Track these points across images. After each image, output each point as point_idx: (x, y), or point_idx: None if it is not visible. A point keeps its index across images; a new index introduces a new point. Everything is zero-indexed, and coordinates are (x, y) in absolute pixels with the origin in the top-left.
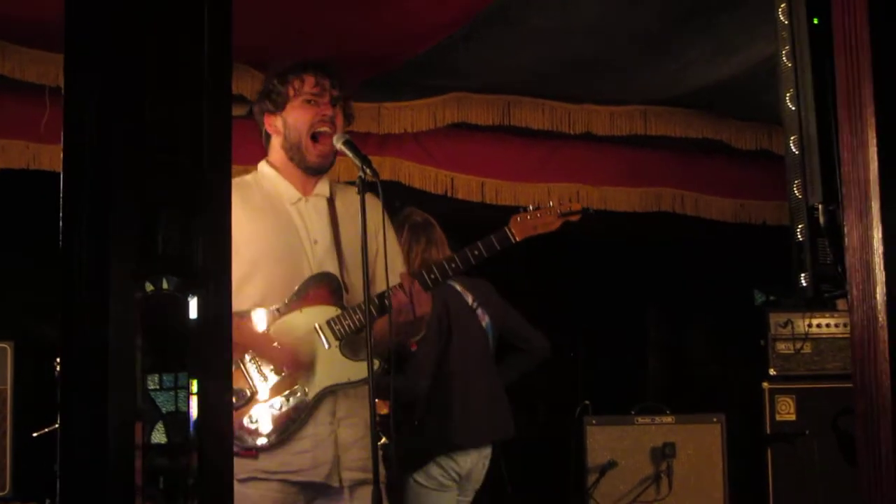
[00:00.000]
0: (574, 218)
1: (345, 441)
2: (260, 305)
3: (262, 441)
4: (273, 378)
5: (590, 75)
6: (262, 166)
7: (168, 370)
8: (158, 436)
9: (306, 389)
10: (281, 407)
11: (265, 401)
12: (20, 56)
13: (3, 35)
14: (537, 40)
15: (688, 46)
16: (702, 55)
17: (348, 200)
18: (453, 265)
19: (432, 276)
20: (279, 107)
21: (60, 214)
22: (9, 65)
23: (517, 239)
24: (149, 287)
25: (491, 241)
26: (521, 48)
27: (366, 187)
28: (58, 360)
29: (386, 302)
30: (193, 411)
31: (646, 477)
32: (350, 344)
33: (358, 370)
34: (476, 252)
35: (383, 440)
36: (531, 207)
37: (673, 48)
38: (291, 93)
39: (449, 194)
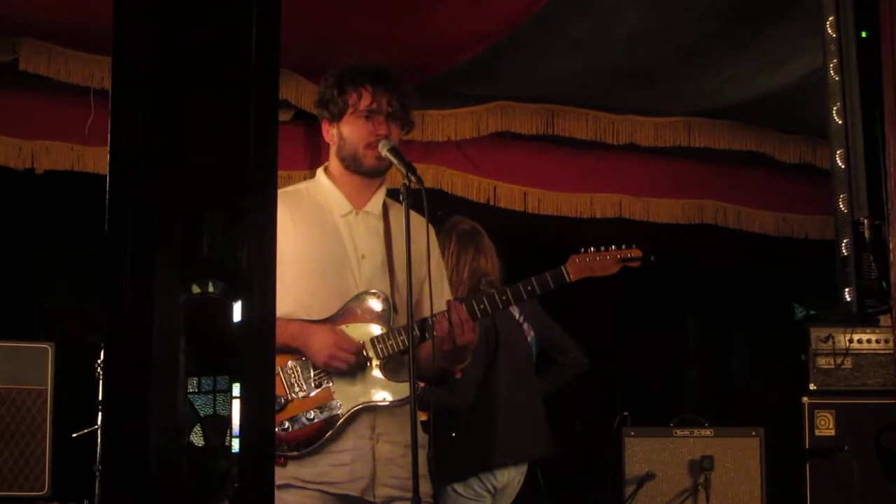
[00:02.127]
0: (634, 265)
1: (382, 457)
2: (300, 316)
3: (291, 449)
4: (311, 389)
5: (633, 86)
6: (320, 174)
7: (211, 373)
8: (200, 439)
9: (341, 404)
10: (314, 418)
11: (300, 410)
12: (65, 58)
13: (49, 37)
14: (580, 50)
15: (731, 58)
16: (746, 67)
17: (401, 217)
18: (503, 298)
19: (481, 307)
20: (335, 117)
21: (106, 217)
22: (54, 67)
23: (572, 279)
24: (193, 290)
25: (546, 279)
26: (563, 58)
27: (410, 194)
28: (99, 361)
29: (427, 333)
30: (236, 415)
31: (683, 489)
32: (392, 364)
33: (396, 390)
34: (529, 288)
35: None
36: (591, 249)
37: (716, 60)
38: (348, 106)
39: (491, 203)
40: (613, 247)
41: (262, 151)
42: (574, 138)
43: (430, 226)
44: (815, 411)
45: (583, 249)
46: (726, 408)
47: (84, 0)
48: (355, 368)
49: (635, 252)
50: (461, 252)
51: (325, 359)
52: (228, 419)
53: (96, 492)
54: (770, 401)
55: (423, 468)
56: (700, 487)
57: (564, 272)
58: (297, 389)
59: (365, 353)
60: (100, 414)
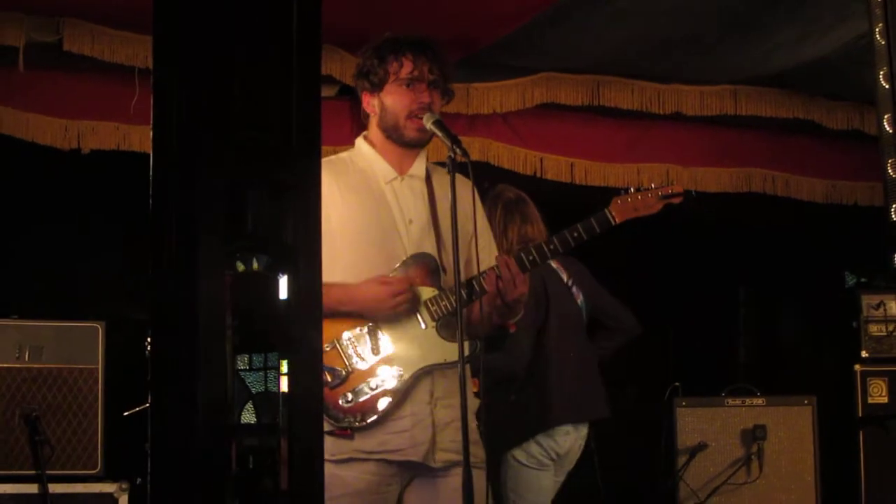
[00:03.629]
0: (676, 200)
1: (441, 421)
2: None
3: (357, 420)
4: (371, 358)
5: (679, 55)
6: (360, 143)
7: (258, 350)
8: (248, 415)
9: (402, 369)
10: (377, 387)
11: (361, 380)
12: (109, 38)
13: (93, 17)
14: (624, 20)
15: (778, 25)
16: (792, 34)
17: (444, 181)
18: (552, 247)
19: (530, 258)
20: (376, 87)
21: (150, 194)
22: (98, 47)
23: (617, 221)
24: (238, 266)
25: (591, 223)
26: (608, 28)
27: (456, 167)
28: (148, 339)
29: (477, 286)
30: (283, 391)
31: (736, 459)
32: (447, 325)
33: (454, 351)
34: (575, 234)
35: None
36: (632, 189)
37: (762, 27)
38: (389, 74)
39: (538, 175)
40: (653, 185)
41: (306, 126)
42: (620, 108)
43: (474, 187)
44: (868, 379)
45: (622, 190)
46: (778, 377)
47: None
48: (411, 332)
49: (676, 188)
50: (507, 219)
51: (385, 308)
52: (277, 395)
53: (148, 470)
54: (822, 369)
55: (475, 434)
56: (753, 457)
57: (609, 214)
58: (355, 360)
59: (419, 315)
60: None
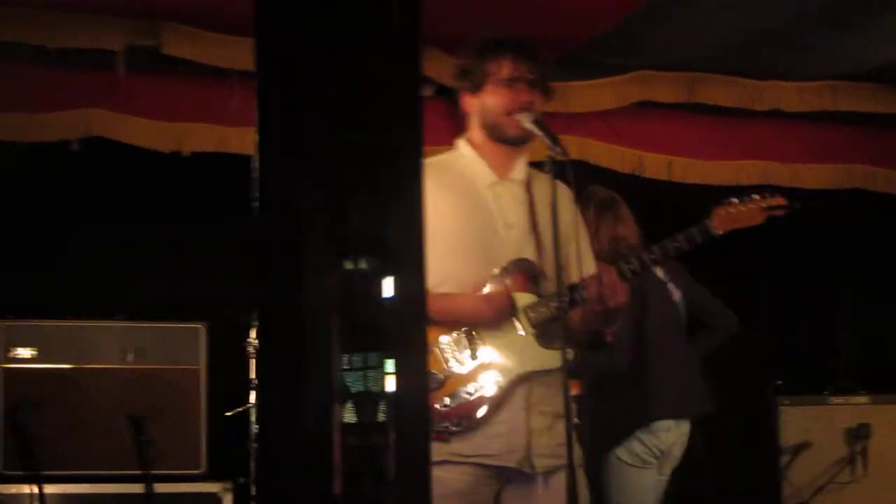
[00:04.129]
0: (779, 212)
1: (537, 427)
2: (448, 289)
3: (454, 425)
4: (469, 363)
5: (776, 51)
6: (461, 145)
7: (363, 350)
8: (355, 416)
9: (500, 375)
10: (474, 392)
11: (459, 385)
12: (207, 41)
13: (191, 20)
14: (720, 16)
15: (877, 19)
16: (891, 28)
17: (544, 186)
18: (652, 257)
19: (631, 267)
20: (476, 87)
21: (254, 197)
22: (196, 50)
23: (719, 232)
24: (343, 268)
25: (692, 234)
26: (704, 24)
27: (556, 166)
28: (249, 339)
29: (577, 294)
30: (390, 391)
31: (840, 458)
32: (545, 332)
33: (552, 358)
34: (676, 244)
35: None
36: (734, 199)
37: (861, 21)
38: (489, 75)
39: (636, 173)
40: (756, 195)
41: (408, 126)
42: (717, 105)
43: (573, 194)
44: None
45: (726, 201)
46: (882, 375)
47: None
48: (510, 338)
49: (779, 200)
50: (600, 219)
51: (488, 321)
52: (382, 395)
53: (251, 470)
54: None
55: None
56: (857, 456)
57: (710, 225)
58: (453, 365)
59: (518, 322)
60: (252, 392)
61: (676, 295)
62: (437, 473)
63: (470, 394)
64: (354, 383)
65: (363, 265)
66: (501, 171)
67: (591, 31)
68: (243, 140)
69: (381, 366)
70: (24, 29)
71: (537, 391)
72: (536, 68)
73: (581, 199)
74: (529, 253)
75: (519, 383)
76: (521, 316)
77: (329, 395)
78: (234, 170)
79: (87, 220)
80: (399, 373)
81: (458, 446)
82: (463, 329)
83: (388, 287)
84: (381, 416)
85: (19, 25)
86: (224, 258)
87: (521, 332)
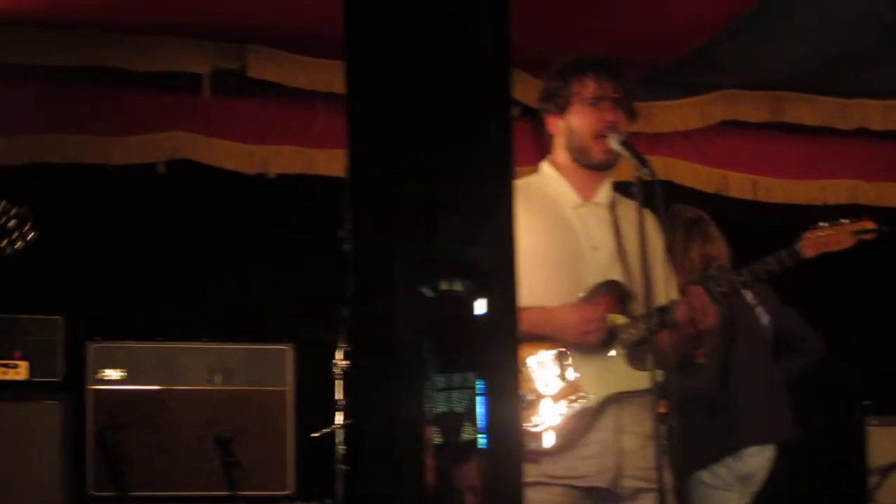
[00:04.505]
0: (869, 237)
1: (628, 448)
2: None
3: (543, 445)
4: (558, 383)
5: (861, 69)
6: (545, 167)
7: (455, 370)
8: (446, 436)
9: (590, 396)
10: (563, 413)
11: (549, 405)
12: (292, 63)
13: (276, 43)
14: (804, 35)
15: None
16: None
17: (628, 209)
18: (742, 279)
19: (721, 290)
20: (561, 108)
21: (346, 218)
22: (281, 72)
23: (809, 255)
24: (434, 289)
25: (782, 257)
26: (788, 43)
27: (643, 187)
28: (335, 361)
29: (667, 316)
30: (481, 411)
31: None
32: (635, 353)
33: (642, 380)
34: (766, 267)
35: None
36: (824, 224)
37: None
38: (573, 95)
39: (720, 192)
40: (845, 220)
41: (498, 147)
42: (802, 124)
43: (659, 214)
44: None
45: (815, 225)
46: None
47: (309, 5)
48: (600, 359)
49: (868, 224)
50: (689, 239)
51: (576, 336)
52: (473, 416)
53: (337, 491)
54: None
55: (664, 459)
56: None
57: (799, 249)
58: (542, 385)
59: (611, 336)
60: (337, 413)
61: (765, 318)
62: (529, 495)
63: (558, 413)
64: (446, 404)
65: (454, 286)
66: (586, 194)
67: (677, 51)
68: (329, 162)
69: (472, 386)
70: (111, 53)
71: (628, 412)
72: (621, 88)
73: (668, 219)
74: (616, 275)
75: (609, 404)
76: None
77: (420, 415)
78: (320, 191)
79: (173, 243)
80: (490, 393)
81: (549, 467)
82: (553, 349)
83: (479, 307)
84: (473, 437)
85: (107, 50)
86: (310, 280)
87: (612, 353)
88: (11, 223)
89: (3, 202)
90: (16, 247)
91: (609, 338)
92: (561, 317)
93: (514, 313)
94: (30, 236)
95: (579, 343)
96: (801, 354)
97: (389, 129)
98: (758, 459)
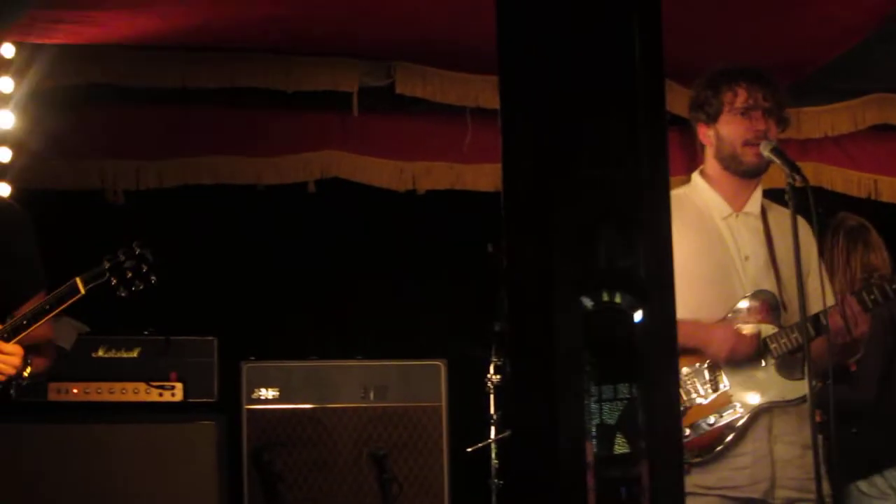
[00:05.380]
0: None
1: (781, 459)
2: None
3: (694, 456)
4: (709, 394)
5: None
6: (696, 177)
7: (615, 382)
8: (607, 448)
9: (740, 407)
10: (714, 423)
11: (700, 416)
12: (440, 79)
13: (424, 60)
14: None
15: None
16: None
17: (780, 218)
18: (894, 287)
19: (872, 297)
20: (712, 118)
21: (502, 233)
22: (429, 88)
23: None
24: (593, 301)
25: None
26: None
27: (795, 193)
28: (489, 376)
29: (823, 323)
30: (642, 422)
31: None
32: (786, 363)
33: (794, 389)
34: None
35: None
36: None
37: None
38: (724, 104)
39: (872, 197)
40: None
41: (653, 159)
42: None
43: (812, 222)
44: None
45: None
46: None
47: (458, 21)
48: (751, 369)
49: None
50: (850, 248)
51: (726, 353)
52: (634, 427)
53: None
54: None
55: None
56: None
57: None
58: (694, 395)
59: (761, 350)
60: (492, 428)
61: None
62: None
63: (710, 425)
64: (606, 415)
65: (613, 297)
66: (737, 204)
67: (825, 57)
68: (479, 177)
69: (632, 397)
70: (261, 74)
71: (781, 422)
72: (771, 96)
73: (829, 228)
74: (768, 285)
75: (761, 414)
76: (762, 347)
77: (581, 427)
78: (470, 207)
79: (323, 261)
80: (651, 404)
81: (701, 478)
82: (704, 360)
83: (638, 318)
84: (634, 448)
85: (257, 71)
86: (460, 295)
87: (763, 364)
88: (129, 264)
89: (128, 246)
90: (133, 289)
91: (760, 352)
92: (716, 332)
93: (672, 323)
94: (151, 279)
95: (728, 360)
96: None
97: (544, 143)
98: None
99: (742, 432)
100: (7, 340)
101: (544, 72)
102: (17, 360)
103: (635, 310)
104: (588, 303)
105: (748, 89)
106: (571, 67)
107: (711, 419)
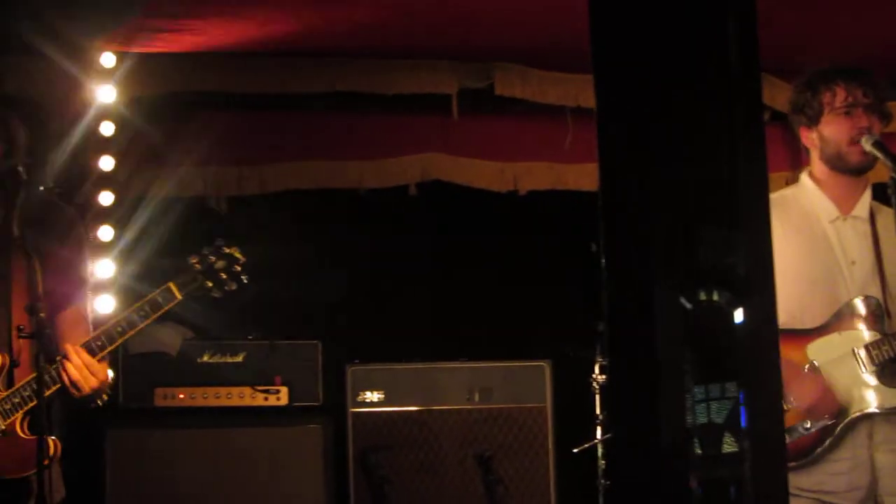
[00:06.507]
0: None
1: (882, 466)
2: (790, 326)
3: (790, 460)
4: (807, 399)
5: None
6: (804, 178)
7: (716, 381)
8: (709, 448)
9: (839, 412)
10: (811, 428)
11: (795, 421)
12: (539, 79)
13: (523, 59)
14: None
15: None
16: None
17: (888, 220)
18: None
19: None
20: (813, 121)
21: (600, 233)
22: (529, 89)
23: None
24: (694, 299)
25: None
26: None
27: None
28: (594, 376)
29: None
30: (745, 422)
31: None
32: (889, 370)
33: (894, 397)
34: None
35: None
36: None
37: None
38: (824, 105)
39: None
40: None
41: (752, 156)
42: None
43: None
44: None
45: None
46: None
47: (555, 21)
48: (848, 378)
49: None
50: None
51: (806, 406)
52: (736, 427)
53: None
54: None
55: None
56: None
57: None
58: (791, 400)
59: (859, 360)
60: (598, 428)
61: None
62: None
63: (807, 429)
64: (708, 415)
65: (714, 296)
66: (844, 207)
67: None
68: (580, 176)
69: (735, 397)
70: (361, 78)
71: (883, 430)
72: (871, 92)
73: None
74: (873, 290)
75: (861, 421)
76: (864, 353)
77: (683, 427)
78: (572, 206)
79: (425, 263)
80: (753, 404)
81: (799, 480)
82: (805, 364)
83: (739, 317)
84: (737, 448)
85: (357, 75)
86: (564, 295)
87: (863, 370)
88: (220, 264)
89: (216, 243)
90: (226, 289)
91: (839, 413)
92: (803, 383)
93: (774, 322)
94: (243, 278)
95: (807, 413)
96: None
97: (641, 142)
98: None
99: (838, 438)
100: (96, 353)
101: (639, 71)
102: (103, 375)
103: (735, 308)
104: (688, 301)
105: (846, 87)
106: (667, 66)
107: (808, 424)
